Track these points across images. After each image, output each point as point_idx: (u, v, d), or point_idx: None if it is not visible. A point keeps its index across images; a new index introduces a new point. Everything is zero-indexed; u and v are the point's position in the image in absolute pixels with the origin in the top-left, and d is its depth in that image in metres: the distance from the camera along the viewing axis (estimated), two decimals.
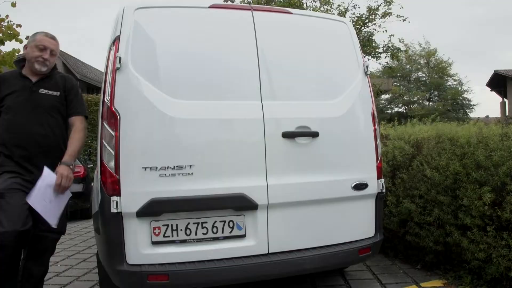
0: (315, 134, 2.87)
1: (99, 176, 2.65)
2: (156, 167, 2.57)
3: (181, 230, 2.63)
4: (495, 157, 3.48)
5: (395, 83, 34.21)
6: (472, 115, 32.74)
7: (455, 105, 33.67)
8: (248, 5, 2.59)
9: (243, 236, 2.72)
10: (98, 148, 2.69)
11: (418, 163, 4.13)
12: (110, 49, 2.79)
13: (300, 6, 11.60)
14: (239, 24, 2.90)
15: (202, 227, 2.66)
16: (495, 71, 27.00)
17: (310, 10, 11.83)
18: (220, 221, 2.68)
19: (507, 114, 23.96)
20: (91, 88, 24.96)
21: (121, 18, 2.73)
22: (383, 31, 13.51)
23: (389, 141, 4.83)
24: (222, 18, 2.92)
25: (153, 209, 2.56)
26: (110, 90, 2.61)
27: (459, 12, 73.79)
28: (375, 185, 3.07)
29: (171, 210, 2.59)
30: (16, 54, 10.63)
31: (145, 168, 2.56)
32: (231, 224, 2.70)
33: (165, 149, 2.60)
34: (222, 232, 2.68)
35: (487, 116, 30.03)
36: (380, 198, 3.13)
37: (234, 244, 2.69)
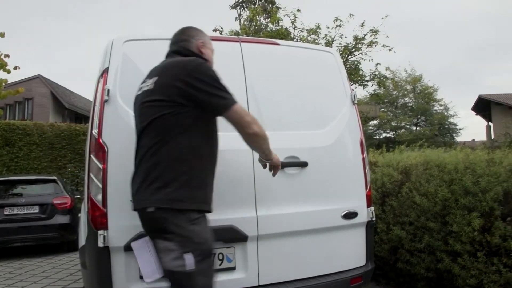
0: (304, 164, 2.88)
1: (86, 210, 2.60)
2: None
3: None
4: (482, 182, 3.52)
5: (383, 109, 34.61)
6: (458, 139, 33.13)
7: (442, 130, 34.08)
8: (236, 36, 2.66)
9: (233, 268, 2.68)
10: (86, 180, 2.66)
11: (407, 190, 4.15)
12: (98, 81, 2.79)
13: (287, 35, 11.80)
14: (227, 56, 2.93)
15: None
16: (479, 95, 27.52)
17: (297, 39, 12.04)
18: None
19: (492, 138, 24.28)
20: (79, 117, 24.91)
21: (109, 50, 2.74)
22: (369, 60, 13.78)
23: (378, 168, 4.86)
24: None
25: None
26: (98, 122, 2.60)
27: (443, 39, 75.68)
28: (365, 214, 3.07)
29: None
30: (4, 84, 10.61)
31: None
32: (220, 257, 2.66)
33: None
34: None
35: (473, 140, 30.44)
36: (370, 226, 3.12)
37: (224, 277, 2.64)
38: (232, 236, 2.65)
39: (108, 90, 2.61)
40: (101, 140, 2.55)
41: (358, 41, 13.22)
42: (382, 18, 13.80)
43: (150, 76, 2.25)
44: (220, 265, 2.65)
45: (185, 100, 2.09)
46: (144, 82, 2.28)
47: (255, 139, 2.26)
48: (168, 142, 2.09)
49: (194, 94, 2.08)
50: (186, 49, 2.36)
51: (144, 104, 2.18)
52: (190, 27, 2.49)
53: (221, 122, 2.76)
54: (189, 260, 1.98)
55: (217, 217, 2.61)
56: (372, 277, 3.56)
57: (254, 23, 12.41)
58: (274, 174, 2.55)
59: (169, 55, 2.39)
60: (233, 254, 2.68)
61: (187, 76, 2.08)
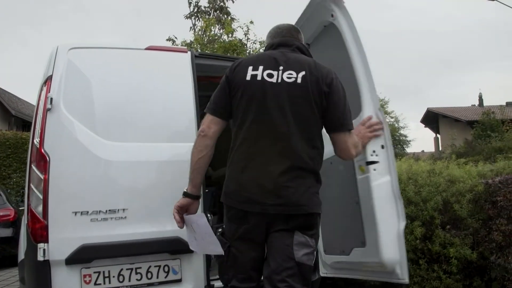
0: None
1: (26, 222, 2.52)
2: (87, 212, 2.48)
3: (113, 276, 2.53)
4: (423, 192, 3.66)
5: None
6: (409, 150, 34.32)
7: (393, 141, 35.15)
8: (185, 47, 2.64)
9: (179, 280, 2.66)
10: (26, 192, 2.57)
11: None
12: (41, 89, 2.70)
13: (241, 47, 11.89)
14: (175, 66, 2.93)
15: (136, 273, 2.57)
16: (427, 108, 28.76)
17: (250, 51, 12.15)
18: (155, 266, 2.61)
19: (440, 149, 25.39)
20: (27, 125, 23.87)
21: (54, 58, 2.67)
22: None
23: None
24: (158, 60, 2.93)
25: (83, 256, 2.45)
26: (40, 131, 2.52)
27: (393, 54, 78.71)
28: None
29: (102, 256, 2.50)
30: None
31: (75, 213, 2.47)
32: (166, 269, 2.63)
33: (97, 193, 2.53)
34: (157, 278, 2.61)
35: (422, 151, 31.73)
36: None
37: None
38: (178, 247, 2.62)
39: (51, 99, 2.54)
40: (42, 150, 2.48)
41: None
42: None
43: (289, 66, 2.07)
44: (166, 277, 2.63)
45: (320, 108, 2.06)
46: (279, 69, 2.06)
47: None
48: (315, 146, 2.08)
49: (326, 105, 2.06)
50: (307, 50, 2.29)
51: (289, 94, 2.03)
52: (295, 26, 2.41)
53: (174, 132, 2.76)
54: (314, 256, 2.07)
55: (162, 229, 2.60)
56: (322, 285, 3.61)
57: (208, 33, 12.44)
58: None
59: (291, 48, 2.21)
60: (179, 266, 2.66)
61: (328, 87, 2.05)
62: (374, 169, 2.41)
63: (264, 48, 2.34)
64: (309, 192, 2.01)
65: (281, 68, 2.06)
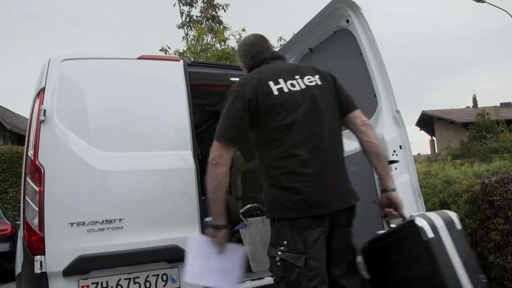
0: None
1: (22, 235, 2.50)
2: (84, 222, 2.47)
3: (111, 287, 2.51)
4: None
5: None
6: None
7: None
8: (177, 56, 2.67)
9: None
10: (21, 205, 2.56)
11: None
12: (34, 101, 2.70)
13: (234, 55, 11.92)
14: (168, 75, 2.93)
15: (134, 283, 2.55)
16: (422, 111, 28.86)
17: None
18: (153, 275, 2.59)
19: (436, 152, 25.43)
20: (22, 139, 23.80)
21: (46, 70, 2.67)
22: None
23: None
24: (151, 69, 2.94)
25: (81, 267, 2.44)
26: (34, 143, 2.52)
27: (387, 58, 79.05)
28: None
29: (100, 266, 2.48)
30: None
31: (72, 224, 2.45)
32: (164, 278, 2.61)
33: (93, 203, 2.51)
34: (156, 286, 2.59)
35: (419, 154, 31.69)
36: None
37: None
38: (176, 256, 2.60)
39: (45, 110, 2.54)
40: (37, 162, 2.47)
41: None
42: None
43: (301, 73, 2.16)
44: (164, 286, 2.61)
45: (337, 99, 2.18)
46: (295, 78, 2.12)
47: None
48: (341, 141, 2.17)
49: (338, 94, 2.19)
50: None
51: (319, 96, 2.11)
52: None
53: (168, 141, 2.76)
54: None
55: (159, 237, 2.59)
56: None
57: (201, 42, 12.45)
58: None
59: (281, 59, 2.36)
60: (177, 274, 2.64)
61: (331, 77, 2.20)
62: (396, 168, 2.48)
63: (247, 70, 2.36)
64: (351, 184, 2.13)
65: (296, 76, 2.14)
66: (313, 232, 1.96)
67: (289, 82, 2.10)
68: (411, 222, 1.90)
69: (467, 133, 20.97)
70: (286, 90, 2.08)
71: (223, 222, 2.06)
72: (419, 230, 1.85)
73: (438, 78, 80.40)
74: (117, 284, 2.52)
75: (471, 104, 32.92)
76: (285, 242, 1.95)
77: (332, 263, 2.02)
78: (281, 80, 2.10)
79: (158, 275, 2.60)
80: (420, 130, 31.52)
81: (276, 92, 2.06)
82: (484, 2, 15.85)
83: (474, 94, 33.08)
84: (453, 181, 3.74)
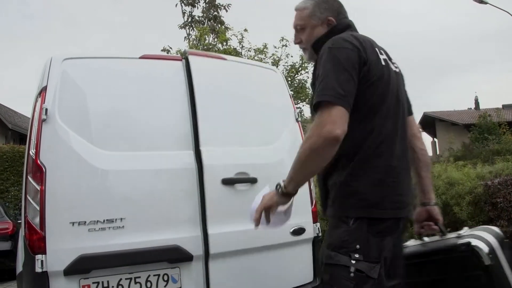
0: (253, 180, 2.88)
1: (23, 234, 2.50)
2: (85, 222, 2.46)
3: (112, 287, 2.49)
4: None
5: None
6: None
7: None
8: (178, 55, 2.65)
9: None
10: (23, 204, 2.55)
11: None
12: (36, 100, 2.70)
13: (237, 55, 11.93)
14: (170, 73, 2.92)
15: (135, 283, 2.54)
16: (424, 113, 28.83)
17: (245, 58, 12.19)
18: (154, 275, 2.58)
19: (438, 153, 25.41)
20: (24, 138, 23.85)
21: (48, 69, 2.67)
22: None
23: None
24: (153, 68, 2.93)
25: (82, 266, 2.42)
26: (35, 142, 2.51)
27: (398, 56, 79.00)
28: (311, 229, 3.10)
29: (101, 266, 2.47)
30: None
31: (73, 223, 2.44)
32: (165, 278, 2.60)
33: (94, 203, 2.50)
34: (157, 286, 2.57)
35: None
36: (316, 242, 3.16)
37: None
38: (177, 256, 2.60)
39: (46, 109, 2.53)
40: (38, 161, 2.46)
41: (304, 60, 13.54)
42: None
43: (387, 53, 1.83)
44: (165, 286, 2.59)
45: None
46: (387, 57, 1.81)
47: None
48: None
49: None
50: None
51: (403, 85, 1.87)
52: None
53: (170, 140, 2.75)
54: None
55: (160, 237, 2.58)
56: None
57: (202, 43, 12.49)
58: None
59: (352, 28, 1.90)
60: (178, 274, 2.63)
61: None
62: None
63: (329, 29, 1.88)
64: None
65: (387, 58, 1.80)
66: (388, 239, 1.66)
67: (384, 57, 1.77)
68: (468, 244, 1.81)
69: (469, 134, 20.95)
70: (389, 65, 1.76)
71: (295, 192, 1.79)
72: (479, 254, 1.75)
73: (440, 79, 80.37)
74: (118, 284, 2.51)
75: (473, 106, 32.90)
76: (358, 247, 1.61)
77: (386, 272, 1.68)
78: (382, 51, 1.78)
79: (159, 275, 2.59)
80: (422, 131, 31.47)
81: (383, 63, 1.74)
82: (486, 3, 15.82)
83: (476, 96, 33.11)
84: (456, 183, 3.73)
